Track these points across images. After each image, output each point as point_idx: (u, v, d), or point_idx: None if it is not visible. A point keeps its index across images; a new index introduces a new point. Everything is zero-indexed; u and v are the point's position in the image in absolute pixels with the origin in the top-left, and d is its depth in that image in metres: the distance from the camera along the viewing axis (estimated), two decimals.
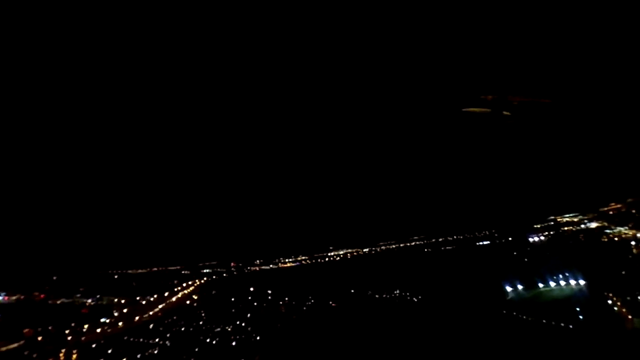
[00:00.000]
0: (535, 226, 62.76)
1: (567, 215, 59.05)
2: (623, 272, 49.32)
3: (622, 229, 54.01)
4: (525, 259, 60.28)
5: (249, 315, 65.61)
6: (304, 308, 64.30)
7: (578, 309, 49.03)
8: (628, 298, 46.29)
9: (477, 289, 55.80)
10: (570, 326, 45.14)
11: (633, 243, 52.33)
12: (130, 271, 72.22)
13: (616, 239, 54.81)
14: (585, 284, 53.62)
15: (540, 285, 57.25)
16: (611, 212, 56.89)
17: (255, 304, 67.09)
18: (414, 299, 60.55)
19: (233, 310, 66.88)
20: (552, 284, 56.98)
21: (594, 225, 59.09)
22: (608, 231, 55.80)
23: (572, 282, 56.30)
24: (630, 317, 44.32)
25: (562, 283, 57.09)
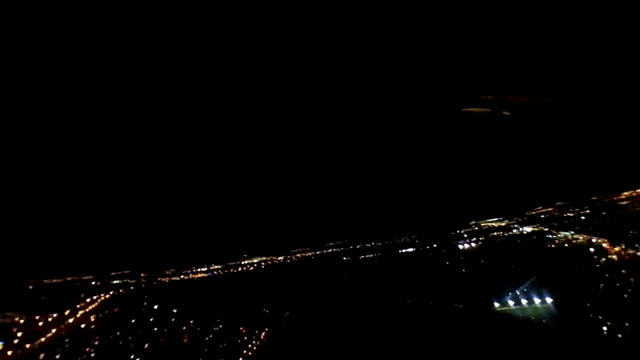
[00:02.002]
0: (458, 232, 54.08)
1: (490, 220, 50.54)
2: (601, 287, 38.99)
3: (567, 233, 45.52)
4: (463, 270, 50.27)
5: (146, 346, 56.60)
6: (211, 336, 54.13)
7: (565, 341, 36.20)
8: (627, 324, 33.88)
9: (414, 306, 46.99)
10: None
11: (592, 250, 42.98)
12: (46, 280, 65.70)
13: (567, 245, 45.69)
14: (554, 303, 41.52)
15: (496, 304, 45.93)
16: (542, 216, 48.63)
17: (156, 329, 57.67)
18: (338, 319, 50.75)
19: (130, 338, 57.17)
20: (511, 302, 45.20)
21: (529, 229, 50.23)
22: (550, 236, 46.97)
23: (537, 300, 45.03)
24: None
25: (524, 302, 45.82)
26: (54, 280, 62.08)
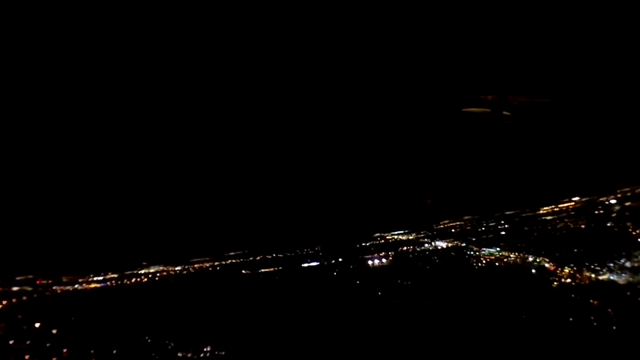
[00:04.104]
0: (363, 244, 47.74)
1: (396, 233, 51.45)
2: (571, 320, 26.46)
3: (492, 250, 37.98)
4: (379, 293, 36.62)
5: None
6: None
7: None
8: None
9: (325, 333, 30.54)
10: None
11: (534, 271, 34.74)
12: None
13: (497, 264, 37.52)
14: (516, 344, 24.18)
15: (431, 339, 27.79)
16: (453, 231, 40.09)
17: (27, 357, 42.36)
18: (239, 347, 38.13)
19: None
20: (452, 338, 27.17)
21: (443, 244, 40.47)
22: (472, 253, 38.91)
23: (488, 338, 27.95)
24: None
25: (471, 338, 28.60)
26: None
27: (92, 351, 35.20)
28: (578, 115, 27.61)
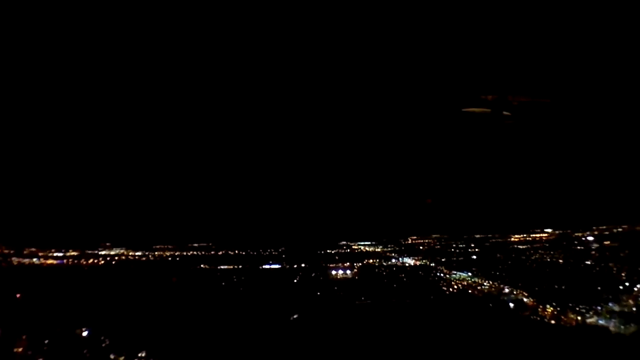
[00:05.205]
0: (328, 251, 41.49)
1: (362, 243, 39.76)
2: None
3: (464, 275, 33.61)
4: (339, 312, 35.08)
5: None
6: None
7: None
8: None
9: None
10: None
11: (512, 305, 29.25)
12: None
13: (470, 291, 32.69)
14: None
15: None
16: (421, 248, 37.00)
17: None
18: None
19: None
20: None
21: (410, 262, 37.17)
22: (442, 275, 34.59)
23: None
24: None
25: None
26: None
27: (23, 336, 31.50)
28: (578, 116, 27.20)
